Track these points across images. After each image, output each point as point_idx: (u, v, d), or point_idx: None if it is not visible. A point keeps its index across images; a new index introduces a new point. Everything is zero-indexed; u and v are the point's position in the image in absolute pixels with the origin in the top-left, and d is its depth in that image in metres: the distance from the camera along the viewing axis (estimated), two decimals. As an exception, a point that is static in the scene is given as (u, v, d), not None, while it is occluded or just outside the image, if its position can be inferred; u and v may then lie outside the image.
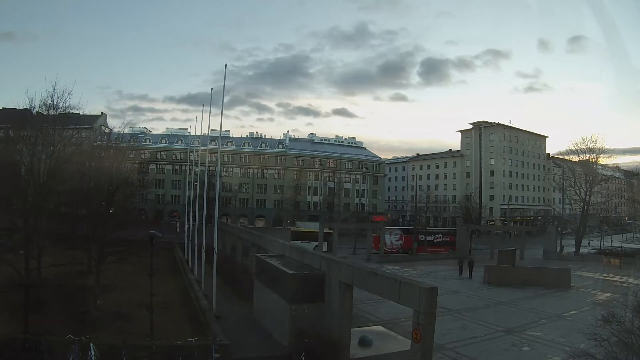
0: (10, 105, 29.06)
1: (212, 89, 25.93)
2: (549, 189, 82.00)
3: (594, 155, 48.89)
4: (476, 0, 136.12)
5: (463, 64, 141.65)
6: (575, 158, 53.32)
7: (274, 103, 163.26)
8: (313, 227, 49.35)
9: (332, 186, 71.95)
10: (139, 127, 74.32)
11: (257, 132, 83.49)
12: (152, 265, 14.06)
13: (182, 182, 56.87)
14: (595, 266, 38.51)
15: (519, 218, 76.96)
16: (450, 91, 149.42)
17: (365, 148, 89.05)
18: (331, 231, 40.26)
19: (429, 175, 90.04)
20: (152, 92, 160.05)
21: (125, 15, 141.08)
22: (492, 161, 79.99)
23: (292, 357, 13.28)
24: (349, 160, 79.49)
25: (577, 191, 48.67)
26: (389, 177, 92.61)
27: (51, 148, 17.36)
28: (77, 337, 11.87)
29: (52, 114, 18.21)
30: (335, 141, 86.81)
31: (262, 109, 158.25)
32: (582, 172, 50.30)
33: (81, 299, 16.81)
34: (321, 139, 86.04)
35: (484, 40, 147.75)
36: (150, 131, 78.47)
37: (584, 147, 48.66)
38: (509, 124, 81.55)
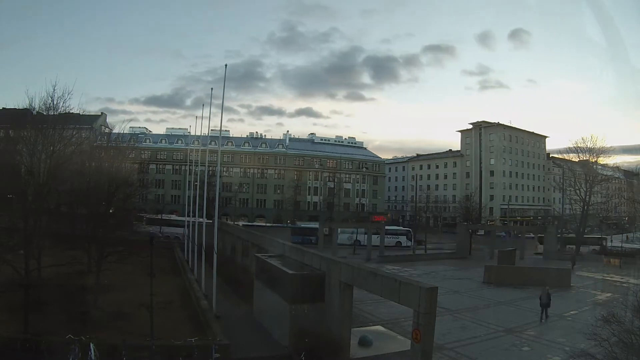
0: (10, 105, 29.09)
1: (212, 89, 26.09)
2: (549, 189, 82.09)
3: (594, 155, 48.96)
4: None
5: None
6: (575, 158, 53.41)
7: (236, 104, 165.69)
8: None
9: (332, 186, 72.01)
10: (139, 127, 74.41)
11: (257, 132, 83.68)
12: (152, 265, 14.07)
13: (182, 182, 56.90)
14: (595, 266, 38.51)
15: (519, 218, 77.00)
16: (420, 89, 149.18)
17: (365, 148, 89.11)
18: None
19: (429, 175, 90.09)
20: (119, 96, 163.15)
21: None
22: (492, 161, 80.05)
23: (292, 357, 13.28)
24: (349, 160, 79.51)
25: (577, 191, 48.68)
26: (389, 177, 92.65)
27: (51, 148, 17.35)
28: (77, 337, 11.86)
29: (52, 114, 18.21)
30: (335, 141, 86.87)
31: (228, 110, 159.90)
32: (582, 172, 50.33)
33: (81, 299, 16.80)
34: (321, 139, 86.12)
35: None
36: (150, 131, 78.54)
37: (584, 146, 48.79)
38: (509, 124, 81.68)
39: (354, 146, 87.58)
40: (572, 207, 54.08)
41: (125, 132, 33.28)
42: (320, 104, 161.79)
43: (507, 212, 68.79)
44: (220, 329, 15.11)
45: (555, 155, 79.23)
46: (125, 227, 22.03)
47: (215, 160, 30.89)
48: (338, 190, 71.75)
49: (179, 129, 76.96)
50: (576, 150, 50.26)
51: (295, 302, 14.85)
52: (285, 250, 19.99)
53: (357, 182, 78.87)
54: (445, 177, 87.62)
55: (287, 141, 79.84)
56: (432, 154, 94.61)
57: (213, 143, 32.79)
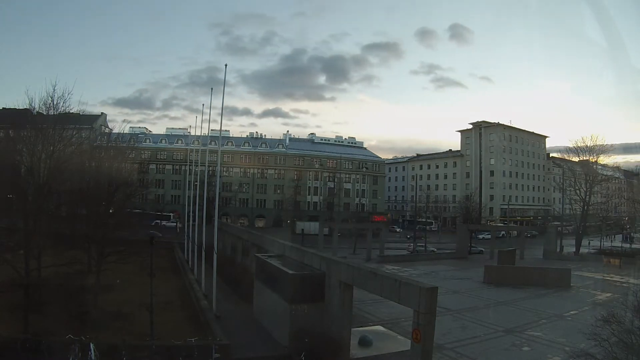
0: (10, 105, 29.09)
1: (212, 88, 26.15)
2: (549, 189, 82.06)
3: (594, 154, 48.94)
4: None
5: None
6: (575, 158, 53.38)
7: (200, 105, 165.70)
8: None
9: (332, 186, 71.96)
10: (139, 127, 74.26)
11: (256, 132, 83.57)
12: (152, 265, 14.07)
13: (182, 182, 56.85)
14: (595, 266, 38.52)
15: (519, 218, 76.94)
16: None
17: (365, 148, 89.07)
18: None
19: (429, 175, 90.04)
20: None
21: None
22: (492, 161, 80.00)
23: (292, 357, 13.28)
24: (349, 160, 79.45)
25: (577, 191, 48.65)
26: (389, 177, 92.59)
27: (51, 148, 17.38)
28: (77, 337, 11.87)
29: (52, 114, 18.21)
30: (335, 141, 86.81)
31: (196, 112, 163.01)
32: (582, 172, 50.29)
33: (81, 299, 16.80)
34: (321, 139, 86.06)
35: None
36: (150, 131, 78.47)
37: (584, 145, 48.75)
38: (509, 124, 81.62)
39: (354, 146, 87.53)
40: (572, 207, 54.06)
41: (125, 132, 33.32)
42: (286, 105, 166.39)
43: (507, 212, 68.70)
44: (220, 329, 15.12)
45: (555, 155, 79.42)
46: (125, 227, 21.95)
47: (215, 160, 30.88)
48: (338, 190, 71.69)
49: (179, 129, 77.04)
50: (576, 150, 50.31)
51: (295, 302, 14.85)
52: (285, 250, 19.99)
53: (357, 182, 78.80)
54: (445, 177, 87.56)
55: (287, 141, 79.78)
56: (432, 154, 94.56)
57: (213, 143, 32.80)
